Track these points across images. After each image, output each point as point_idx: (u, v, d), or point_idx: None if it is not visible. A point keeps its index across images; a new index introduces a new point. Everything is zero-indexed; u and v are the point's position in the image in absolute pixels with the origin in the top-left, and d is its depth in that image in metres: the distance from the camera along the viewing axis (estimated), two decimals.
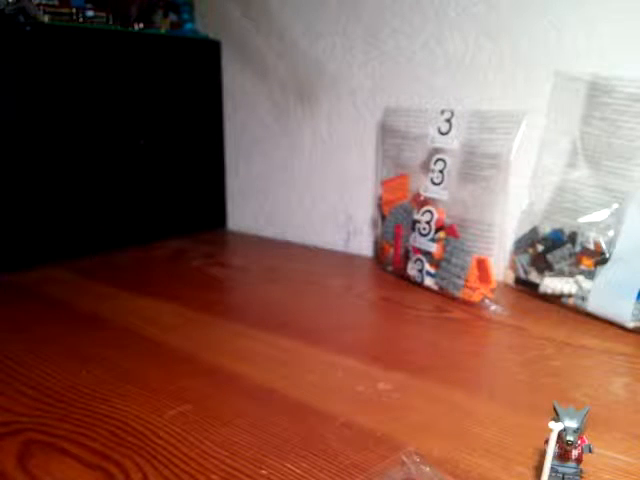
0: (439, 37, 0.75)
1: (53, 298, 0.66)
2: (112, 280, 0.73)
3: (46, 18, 0.77)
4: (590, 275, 0.60)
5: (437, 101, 0.77)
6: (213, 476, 0.35)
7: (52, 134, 0.79)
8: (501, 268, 0.70)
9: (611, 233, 0.60)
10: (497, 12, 0.70)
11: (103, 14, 0.84)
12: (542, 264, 0.65)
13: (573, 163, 0.65)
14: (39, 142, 0.77)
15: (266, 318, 0.61)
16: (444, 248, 0.66)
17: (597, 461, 0.36)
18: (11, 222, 0.76)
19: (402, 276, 0.73)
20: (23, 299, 0.66)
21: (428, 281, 0.68)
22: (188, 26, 0.97)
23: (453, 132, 0.65)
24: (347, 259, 0.86)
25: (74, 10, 0.81)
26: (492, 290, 0.64)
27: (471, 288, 0.64)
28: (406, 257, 0.72)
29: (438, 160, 0.66)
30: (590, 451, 0.32)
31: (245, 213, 1.02)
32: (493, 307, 0.63)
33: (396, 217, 0.73)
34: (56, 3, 0.79)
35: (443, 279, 0.66)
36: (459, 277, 0.64)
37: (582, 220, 0.62)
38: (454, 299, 0.66)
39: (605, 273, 0.59)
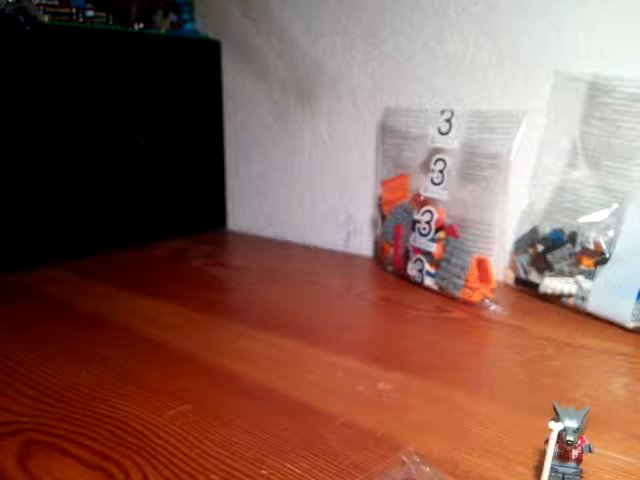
0: (439, 37, 0.75)
1: (53, 298, 0.66)
2: (112, 280, 0.73)
3: (46, 18, 0.77)
4: (590, 275, 0.60)
5: (437, 101, 0.77)
6: (213, 476, 0.35)
7: (52, 134, 0.79)
8: (501, 268, 0.70)
9: (611, 233, 0.60)
10: (497, 12, 0.70)
11: (103, 14, 0.84)
12: (542, 264, 0.65)
13: (573, 163, 0.65)
14: (39, 142, 0.77)
15: (266, 318, 0.61)
16: (444, 248, 0.66)
17: (597, 461, 0.36)
18: (11, 222, 0.76)
19: (402, 276, 0.73)
20: (23, 299, 0.66)
21: (428, 281, 0.68)
22: (188, 26, 0.97)
23: (453, 132, 0.65)
24: (347, 259, 0.86)
25: (74, 10, 0.81)
26: (492, 290, 0.64)
27: (471, 288, 0.64)
28: (406, 257, 0.72)
29: (438, 160, 0.66)
30: (590, 451, 0.32)
31: (245, 213, 1.02)
32: (493, 307, 0.63)
33: (396, 217, 0.73)
34: (56, 3, 0.79)
35: (443, 279, 0.66)
36: (459, 277, 0.64)
37: (582, 220, 0.62)
38: (454, 299, 0.66)
39: (605, 273, 0.59)
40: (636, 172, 0.59)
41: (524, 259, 0.67)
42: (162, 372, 0.49)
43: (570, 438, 0.30)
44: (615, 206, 0.60)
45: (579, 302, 0.61)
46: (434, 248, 0.67)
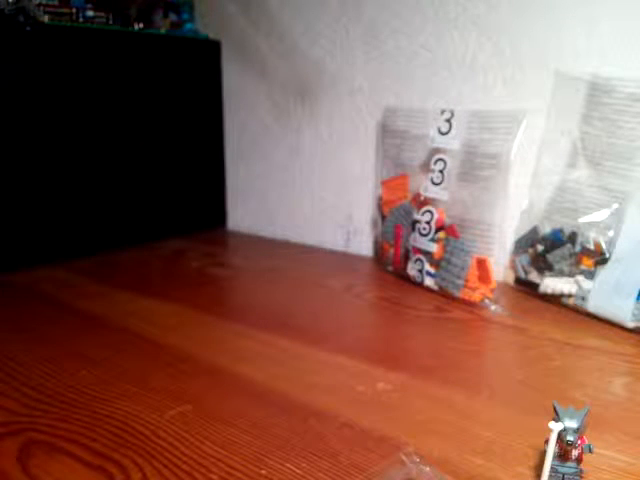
0: (439, 37, 0.75)
1: (53, 298, 0.66)
2: (112, 280, 0.73)
3: (46, 18, 0.77)
4: (590, 275, 0.60)
5: (437, 101, 0.77)
6: (213, 476, 0.35)
7: (52, 134, 0.79)
8: (501, 268, 0.70)
9: (611, 233, 0.60)
10: (497, 12, 0.70)
11: (103, 14, 0.84)
12: (542, 264, 0.65)
13: (573, 163, 0.65)
14: (39, 142, 0.77)
15: (266, 318, 0.61)
16: (444, 248, 0.66)
17: (597, 461, 0.36)
18: (11, 222, 0.76)
19: (402, 276, 0.73)
20: (23, 299, 0.66)
21: (428, 281, 0.68)
22: (188, 26, 0.97)
23: (453, 132, 0.65)
24: (347, 259, 0.86)
25: (74, 10, 0.81)
26: (492, 290, 0.64)
27: (471, 288, 0.64)
28: (406, 257, 0.72)
29: (438, 160, 0.66)
30: (590, 451, 0.32)
31: (245, 213, 1.02)
32: (493, 307, 0.63)
33: (396, 217, 0.73)
34: (56, 3, 0.79)
35: (443, 279, 0.66)
36: (459, 277, 0.64)
37: (582, 220, 0.62)
38: (454, 299, 0.66)
39: (605, 273, 0.59)
40: (636, 172, 0.59)
41: (524, 259, 0.67)
42: (162, 372, 0.49)
43: (570, 438, 0.30)
44: (615, 206, 0.60)
45: (579, 302, 0.61)
46: (434, 248, 0.67)
